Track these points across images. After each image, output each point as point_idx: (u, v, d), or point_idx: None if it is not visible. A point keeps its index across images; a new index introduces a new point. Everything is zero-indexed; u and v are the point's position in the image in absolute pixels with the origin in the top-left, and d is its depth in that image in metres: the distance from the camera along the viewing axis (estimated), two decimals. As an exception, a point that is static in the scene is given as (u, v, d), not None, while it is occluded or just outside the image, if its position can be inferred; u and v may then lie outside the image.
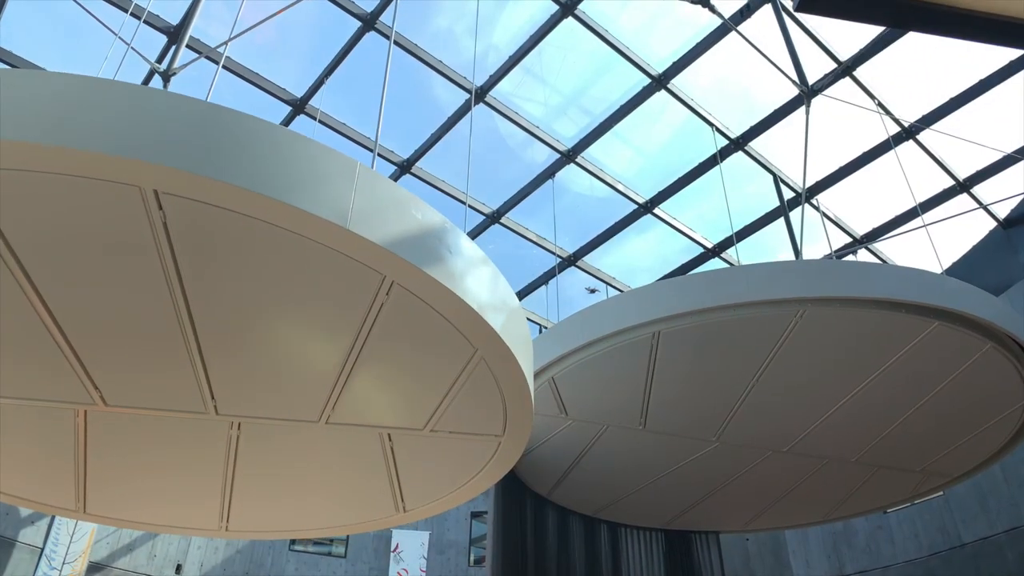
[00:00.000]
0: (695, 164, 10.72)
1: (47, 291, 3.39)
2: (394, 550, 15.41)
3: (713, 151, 10.28)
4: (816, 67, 9.18)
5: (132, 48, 6.59)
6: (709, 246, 11.88)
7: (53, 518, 12.02)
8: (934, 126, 9.35)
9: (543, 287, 12.44)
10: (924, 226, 8.21)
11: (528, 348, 4.21)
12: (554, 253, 11.65)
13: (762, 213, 11.35)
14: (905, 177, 8.21)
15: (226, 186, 2.78)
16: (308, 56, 10.02)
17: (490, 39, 9.61)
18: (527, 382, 4.06)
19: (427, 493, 5.14)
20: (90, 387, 3.98)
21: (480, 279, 3.66)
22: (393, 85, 9.94)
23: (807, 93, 8.14)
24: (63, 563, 11.69)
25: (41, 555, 11.64)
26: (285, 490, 5.19)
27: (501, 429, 4.41)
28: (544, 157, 10.81)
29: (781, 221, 10.84)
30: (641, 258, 13.21)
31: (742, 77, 10.21)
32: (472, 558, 16.17)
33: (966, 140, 8.10)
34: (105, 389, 4.03)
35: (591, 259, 12.24)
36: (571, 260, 12.00)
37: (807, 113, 8.07)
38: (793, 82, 8.05)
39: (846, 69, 8.82)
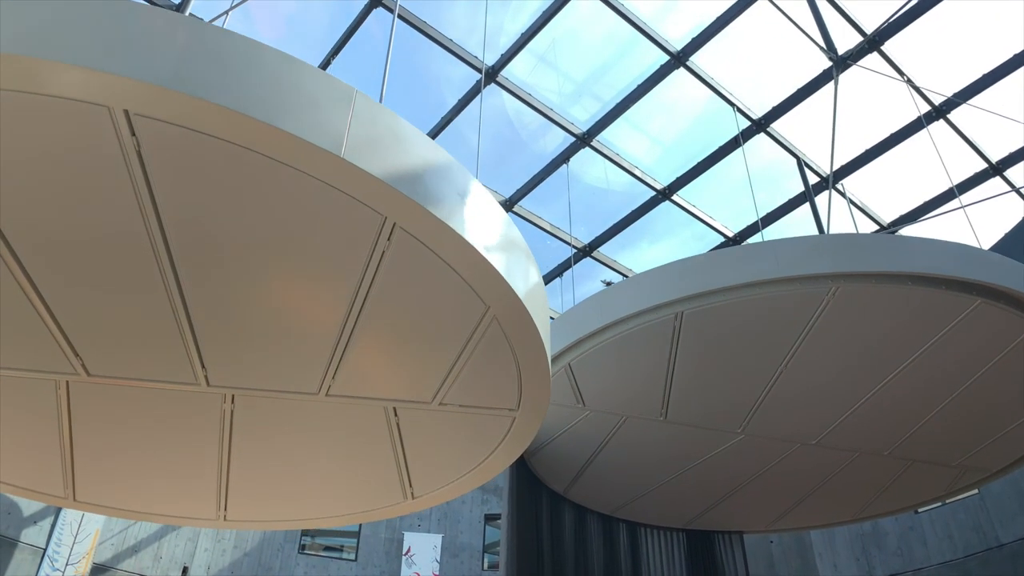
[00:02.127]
0: (714, 150, 10.38)
1: (16, 242, 3.07)
2: (406, 553, 15.05)
3: (734, 135, 9.93)
4: (840, 43, 8.81)
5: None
6: (730, 235, 11.51)
7: (56, 518, 11.79)
8: (967, 103, 8.93)
9: (558, 279, 12.12)
10: (961, 207, 7.81)
11: (544, 309, 3.85)
12: (569, 243, 11.32)
13: (784, 201, 10.98)
14: (940, 157, 7.81)
15: (205, 104, 2.44)
16: (314, 47, 9.85)
17: (502, 23, 9.35)
18: (544, 347, 3.69)
19: (436, 477, 4.78)
20: (70, 354, 3.66)
21: (492, 227, 3.29)
22: (401, 68, 9.72)
23: (836, 62, 7.74)
24: (66, 564, 11.43)
25: (44, 556, 11.40)
26: (285, 474, 4.86)
27: (516, 403, 4.05)
28: (557, 144, 10.52)
29: (804, 209, 10.50)
30: (657, 262, 12.88)
31: (763, 59, 9.89)
32: (486, 563, 15.79)
33: (1004, 116, 7.68)
34: (87, 356, 3.71)
35: (607, 251, 11.93)
36: (586, 251, 11.68)
37: (836, 84, 7.68)
38: (822, 49, 7.66)
39: (872, 42, 8.39)
